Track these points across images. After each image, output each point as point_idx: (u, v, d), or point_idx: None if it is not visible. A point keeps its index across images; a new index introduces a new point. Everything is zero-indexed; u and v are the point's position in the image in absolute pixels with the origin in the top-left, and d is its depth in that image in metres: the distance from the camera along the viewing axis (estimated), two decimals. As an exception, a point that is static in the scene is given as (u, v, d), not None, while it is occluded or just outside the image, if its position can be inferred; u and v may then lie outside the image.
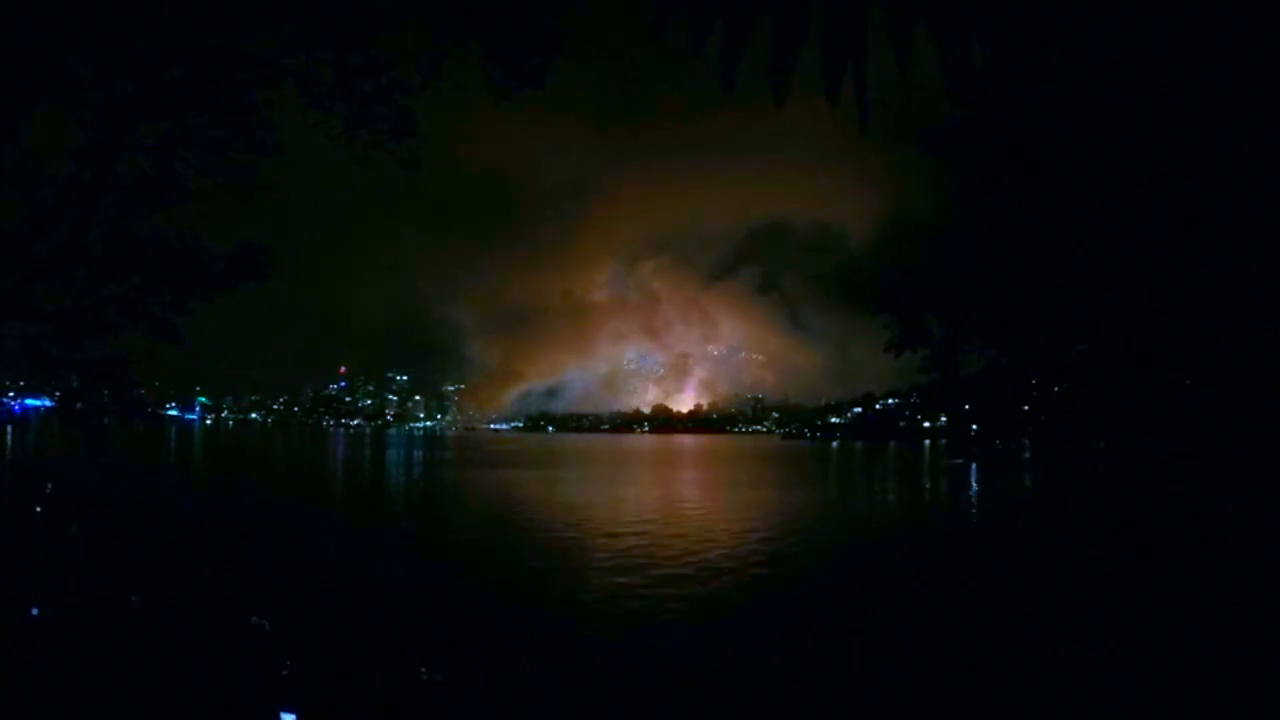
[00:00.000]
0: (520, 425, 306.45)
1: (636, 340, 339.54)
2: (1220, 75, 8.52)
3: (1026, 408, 16.55)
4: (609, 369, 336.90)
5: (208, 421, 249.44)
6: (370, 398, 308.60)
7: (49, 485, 17.72)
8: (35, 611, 8.57)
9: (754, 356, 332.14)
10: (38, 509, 17.70)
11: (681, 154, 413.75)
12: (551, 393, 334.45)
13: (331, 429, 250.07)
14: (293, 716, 3.98)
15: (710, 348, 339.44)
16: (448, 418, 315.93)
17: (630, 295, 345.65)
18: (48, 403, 17.53)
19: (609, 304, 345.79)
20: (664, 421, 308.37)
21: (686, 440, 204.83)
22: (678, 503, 40.93)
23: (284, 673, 6.64)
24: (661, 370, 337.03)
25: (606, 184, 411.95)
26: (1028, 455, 17.18)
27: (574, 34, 13.10)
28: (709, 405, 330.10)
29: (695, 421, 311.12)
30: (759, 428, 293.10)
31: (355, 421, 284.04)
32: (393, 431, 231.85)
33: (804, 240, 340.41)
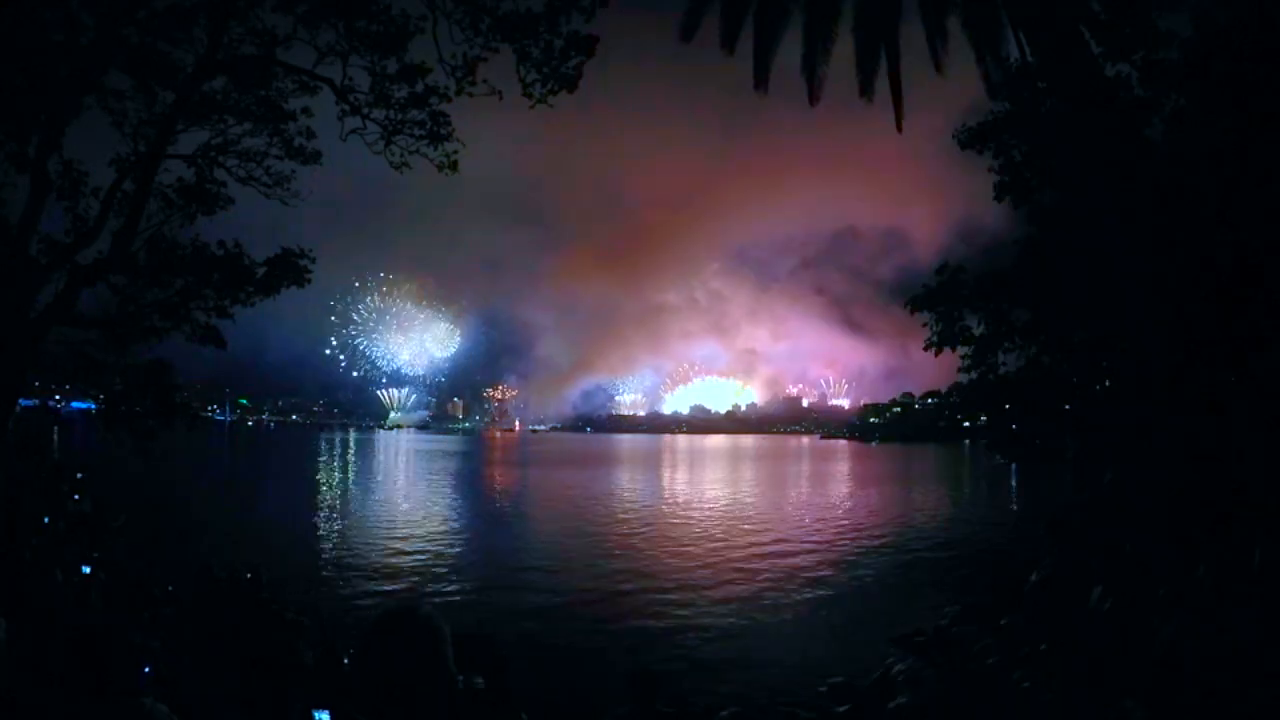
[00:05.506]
0: (559, 426, 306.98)
1: (701, 341, 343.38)
2: None
3: (1068, 406, 16.27)
4: (671, 368, 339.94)
5: (249, 423, 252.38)
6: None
7: (81, 477, 18.12)
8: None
9: (811, 357, 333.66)
10: (80, 504, 18.09)
11: (757, 163, 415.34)
12: (611, 392, 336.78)
13: (371, 429, 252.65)
14: (325, 714, 3.99)
15: (771, 348, 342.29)
16: (485, 420, 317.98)
17: (695, 296, 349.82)
18: (92, 406, 17.81)
19: (674, 305, 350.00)
20: (702, 422, 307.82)
21: (743, 441, 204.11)
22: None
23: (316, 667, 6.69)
24: (722, 370, 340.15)
25: (687, 193, 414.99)
26: (1069, 455, 16.89)
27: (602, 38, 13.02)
28: (747, 406, 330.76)
29: (733, 421, 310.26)
30: (797, 427, 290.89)
31: (392, 424, 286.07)
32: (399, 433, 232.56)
33: (870, 246, 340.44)
